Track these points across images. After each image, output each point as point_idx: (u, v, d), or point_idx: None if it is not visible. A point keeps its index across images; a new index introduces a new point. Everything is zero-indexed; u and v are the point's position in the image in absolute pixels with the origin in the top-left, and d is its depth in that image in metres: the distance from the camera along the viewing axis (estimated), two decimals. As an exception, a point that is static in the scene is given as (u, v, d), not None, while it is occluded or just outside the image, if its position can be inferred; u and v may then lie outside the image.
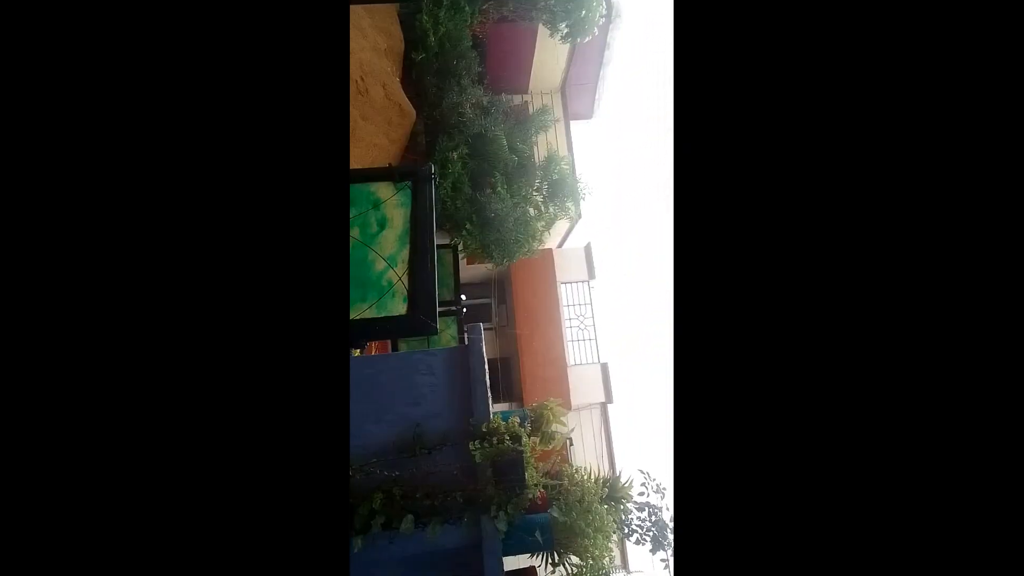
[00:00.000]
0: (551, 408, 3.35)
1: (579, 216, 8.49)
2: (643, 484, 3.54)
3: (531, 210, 6.73)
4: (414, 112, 6.00)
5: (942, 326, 0.81)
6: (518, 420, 3.07)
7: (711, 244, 0.95)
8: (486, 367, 3.01)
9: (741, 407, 0.90)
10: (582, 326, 9.30)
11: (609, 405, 9.03)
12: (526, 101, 8.72)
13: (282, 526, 0.89)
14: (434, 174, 2.85)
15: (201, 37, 0.98)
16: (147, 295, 0.91)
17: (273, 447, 0.92)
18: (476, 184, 6.23)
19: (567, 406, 8.40)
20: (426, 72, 6.13)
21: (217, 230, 0.96)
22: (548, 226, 7.23)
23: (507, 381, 9.22)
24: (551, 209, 6.98)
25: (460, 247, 6.17)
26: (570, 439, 8.64)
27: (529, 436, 3.06)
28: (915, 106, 0.85)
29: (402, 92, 5.83)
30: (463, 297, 6.48)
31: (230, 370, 0.93)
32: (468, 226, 5.97)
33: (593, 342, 9.24)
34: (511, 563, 3.07)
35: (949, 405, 0.80)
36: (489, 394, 3.05)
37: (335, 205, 1.05)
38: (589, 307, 9.34)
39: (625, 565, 7.92)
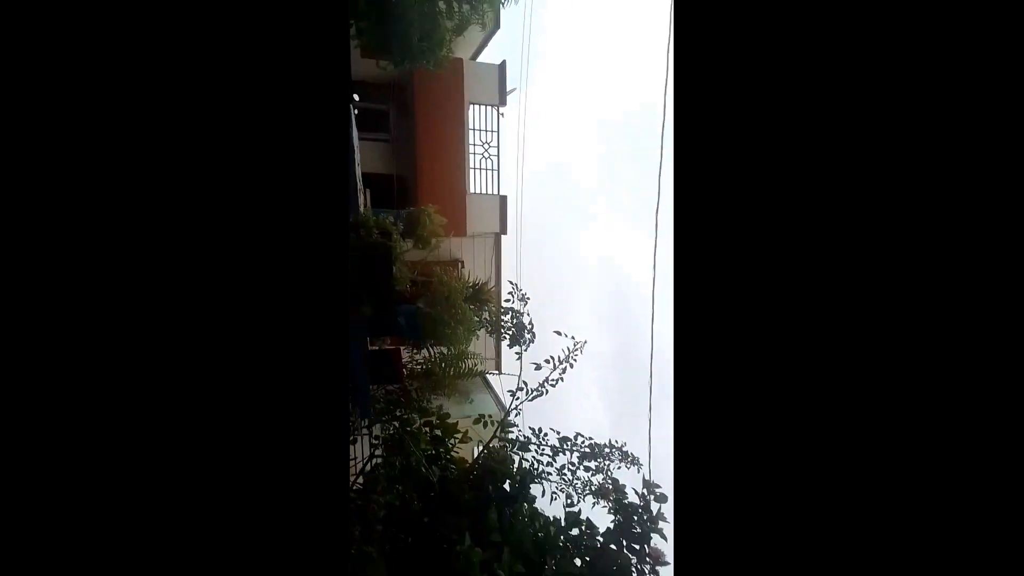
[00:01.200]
0: (428, 213, 3.37)
1: (497, 26, 7.59)
2: (510, 293, 3.93)
3: (441, 4, 5.80)
4: None
5: (940, 334, 0.80)
6: (391, 219, 3.07)
7: (711, 245, 0.91)
8: (357, 157, 2.84)
9: (742, 407, 0.89)
10: (486, 155, 9.05)
11: (503, 236, 9.41)
12: None
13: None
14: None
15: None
16: (142, 276, 0.87)
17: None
18: (375, -46, 5.09)
19: (462, 232, 8.59)
20: None
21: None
22: (459, 30, 6.36)
23: (402, 201, 9.03)
24: (464, 9, 6.07)
25: (352, 32, 5.29)
26: (461, 261, 9.06)
27: (401, 236, 3.11)
28: (915, 104, 0.81)
29: None
30: (356, 97, 5.79)
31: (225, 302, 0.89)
32: (362, 7, 5.04)
33: (496, 172, 9.14)
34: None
35: (946, 415, 0.80)
36: (360, 188, 2.94)
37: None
38: (496, 135, 9.00)
39: (498, 367, 9.21)
